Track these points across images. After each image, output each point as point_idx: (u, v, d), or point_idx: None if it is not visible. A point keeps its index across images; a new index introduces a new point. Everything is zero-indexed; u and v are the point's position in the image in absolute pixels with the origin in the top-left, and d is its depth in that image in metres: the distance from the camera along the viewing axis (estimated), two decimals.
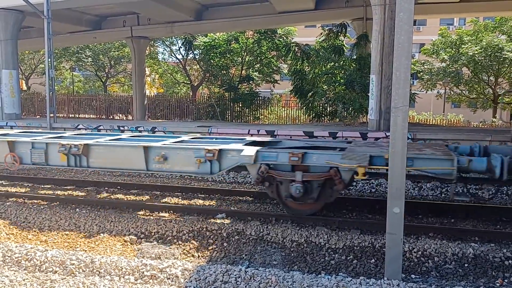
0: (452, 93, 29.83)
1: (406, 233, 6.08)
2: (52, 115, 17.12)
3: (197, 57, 28.46)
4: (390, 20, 12.83)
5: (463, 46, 25.64)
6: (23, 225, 7.94)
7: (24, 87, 35.92)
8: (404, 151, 5.07)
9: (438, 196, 9.55)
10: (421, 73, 27.75)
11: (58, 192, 10.20)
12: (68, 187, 10.60)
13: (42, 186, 10.74)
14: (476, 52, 24.34)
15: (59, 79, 39.84)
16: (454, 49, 26.39)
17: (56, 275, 5.49)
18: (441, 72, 26.72)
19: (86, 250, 6.74)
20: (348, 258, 6.37)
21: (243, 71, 27.31)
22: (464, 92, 28.72)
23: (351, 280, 5.24)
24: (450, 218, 7.91)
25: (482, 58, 24.45)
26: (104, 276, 5.52)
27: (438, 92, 29.92)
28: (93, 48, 33.85)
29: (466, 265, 6.03)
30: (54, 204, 9.00)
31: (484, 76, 26.84)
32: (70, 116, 28.15)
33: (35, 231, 7.68)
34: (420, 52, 30.86)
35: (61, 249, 6.65)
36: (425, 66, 27.45)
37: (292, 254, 6.57)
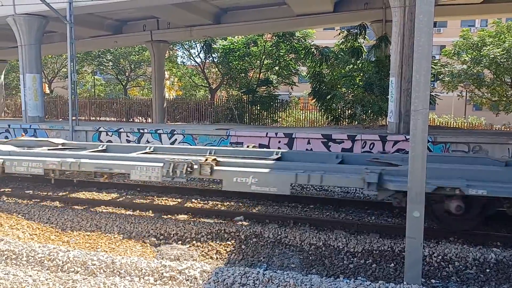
0: (473, 95, 29.32)
1: (426, 238, 6.00)
2: (74, 118, 17.43)
3: (216, 60, 28.64)
4: (410, 22, 12.69)
5: (484, 48, 25.18)
6: (46, 225, 8.11)
7: (47, 91, 36.70)
8: (425, 154, 5.02)
9: None
10: (442, 75, 27.34)
11: (80, 194, 10.39)
12: (89, 189, 10.79)
13: (64, 188, 10.95)
14: (498, 54, 23.87)
15: (81, 82, 40.59)
16: (475, 51, 25.94)
17: (77, 275, 5.59)
18: (462, 74, 26.29)
19: (107, 251, 6.85)
20: (367, 262, 6.32)
21: (261, 74, 27.36)
22: (486, 94, 28.19)
23: (370, 284, 5.20)
24: None
25: (505, 60, 23.95)
26: (124, 276, 5.60)
27: (460, 93, 29.44)
28: (114, 52, 34.40)
29: (487, 270, 5.93)
30: (76, 206, 9.18)
31: (507, 78, 26.29)
32: (92, 119, 28.62)
33: (57, 232, 7.84)
34: (441, 54, 30.44)
35: (82, 249, 6.77)
36: (446, 69, 27.03)
37: (310, 257, 6.56)
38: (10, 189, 10.89)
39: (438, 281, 5.75)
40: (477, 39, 26.15)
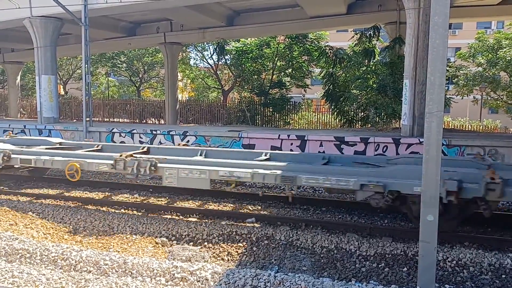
0: (489, 98, 28.93)
1: (440, 242, 5.92)
2: (88, 119, 17.61)
3: (228, 62, 28.71)
4: (424, 24, 12.57)
5: (501, 50, 24.83)
6: (60, 225, 8.20)
7: (62, 92, 37.13)
8: (439, 157, 4.95)
9: None
10: (456, 79, 27.03)
11: (93, 194, 10.48)
12: (102, 189, 10.88)
13: (78, 188, 11.06)
14: None
15: (95, 84, 41.01)
16: (491, 53, 25.59)
17: (90, 275, 5.63)
18: (477, 77, 25.94)
19: (119, 251, 6.89)
20: (380, 265, 6.26)
21: (274, 76, 27.34)
22: (502, 97, 27.80)
23: None
24: (487, 227, 7.66)
25: None
26: (136, 277, 5.62)
27: (474, 98, 29.06)
28: (127, 54, 34.70)
29: (503, 276, 5.82)
30: (89, 206, 9.26)
31: None
32: (105, 120, 28.86)
33: (70, 232, 7.92)
34: (456, 56, 30.09)
35: (95, 249, 6.82)
36: (461, 71, 26.70)
37: (322, 260, 6.51)
38: (25, 189, 11.04)
39: (452, 286, 5.67)
40: (493, 41, 25.81)
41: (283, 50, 25.99)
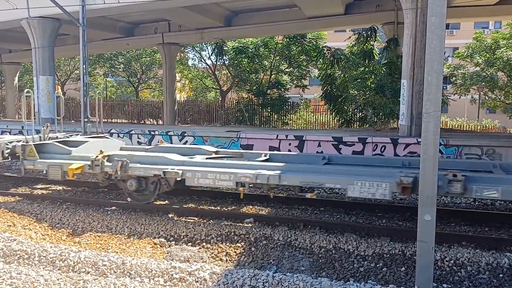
0: (487, 98, 28.98)
1: (437, 241, 5.94)
2: (86, 119, 17.59)
3: (226, 62, 28.72)
4: (422, 24, 12.61)
5: (498, 50, 24.88)
6: (58, 226, 8.19)
7: (60, 93, 37.02)
8: (436, 157, 4.97)
9: None
10: (454, 78, 27.07)
11: (91, 194, 10.47)
12: (101, 190, 10.86)
13: (76, 188, 11.05)
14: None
15: (93, 84, 40.94)
16: (489, 53, 25.63)
17: (88, 276, 5.63)
18: (475, 76, 25.99)
19: (117, 252, 6.89)
20: (378, 265, 6.27)
21: (272, 76, 27.34)
22: (499, 97, 27.85)
23: None
24: (484, 227, 7.68)
25: None
26: (134, 277, 5.62)
27: (472, 97, 29.11)
28: (125, 54, 34.65)
29: (501, 275, 5.84)
30: (87, 206, 9.25)
31: None
32: (103, 120, 28.77)
33: (69, 232, 7.91)
34: (453, 56, 30.12)
35: (93, 250, 6.82)
36: (459, 71, 26.74)
37: (320, 260, 6.53)
38: (23, 190, 11.03)
39: (450, 286, 5.68)
40: (491, 41, 25.86)
41: (280, 50, 25.99)
